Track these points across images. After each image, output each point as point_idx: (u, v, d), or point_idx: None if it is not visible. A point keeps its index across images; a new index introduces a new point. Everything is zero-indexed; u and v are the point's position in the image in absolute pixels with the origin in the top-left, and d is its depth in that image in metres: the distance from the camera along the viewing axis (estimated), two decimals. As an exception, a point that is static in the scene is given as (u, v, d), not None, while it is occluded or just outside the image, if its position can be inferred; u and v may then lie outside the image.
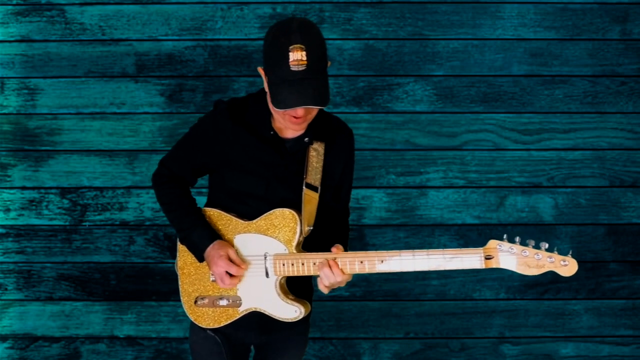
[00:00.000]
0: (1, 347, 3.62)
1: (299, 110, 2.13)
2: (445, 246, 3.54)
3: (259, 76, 2.22)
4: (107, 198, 3.56)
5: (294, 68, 2.06)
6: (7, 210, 3.57)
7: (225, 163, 2.30)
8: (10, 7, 3.49)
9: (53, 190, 3.56)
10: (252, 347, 2.51)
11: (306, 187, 2.27)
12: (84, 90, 3.53)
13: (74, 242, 3.58)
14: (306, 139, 2.27)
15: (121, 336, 3.62)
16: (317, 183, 2.28)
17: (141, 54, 3.51)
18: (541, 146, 3.54)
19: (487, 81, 3.52)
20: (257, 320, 2.33)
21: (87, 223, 3.57)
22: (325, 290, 2.27)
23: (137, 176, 3.53)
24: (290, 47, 2.06)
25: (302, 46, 2.07)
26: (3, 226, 3.58)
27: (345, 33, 3.49)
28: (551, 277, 3.63)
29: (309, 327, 2.50)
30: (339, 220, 2.42)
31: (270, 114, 2.25)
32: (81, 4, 3.49)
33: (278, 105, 2.10)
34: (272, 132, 2.26)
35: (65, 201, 3.56)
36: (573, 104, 3.53)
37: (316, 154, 2.29)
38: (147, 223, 3.56)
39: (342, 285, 2.26)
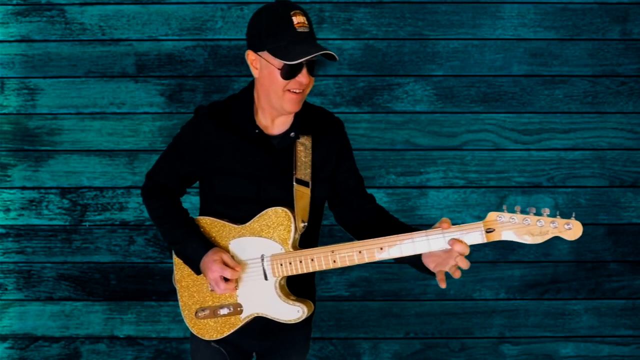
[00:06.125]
0: (1, 347, 3.61)
1: (303, 78, 2.13)
2: (445, 246, 3.54)
3: (259, 76, 2.21)
4: (107, 198, 3.56)
5: (299, 29, 2.11)
6: (7, 210, 3.57)
7: (213, 170, 2.28)
8: (10, 7, 3.49)
9: (53, 190, 3.56)
10: (254, 354, 2.49)
11: (296, 182, 2.25)
12: (84, 90, 3.52)
13: (74, 242, 3.58)
14: (292, 133, 2.26)
15: (121, 336, 3.62)
16: (308, 178, 2.26)
17: (141, 54, 3.51)
18: (541, 146, 3.54)
19: (487, 81, 3.52)
20: (258, 326, 2.31)
21: (87, 223, 3.57)
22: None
23: (137, 176, 3.53)
24: (292, 12, 2.11)
25: (302, 11, 2.13)
26: (3, 226, 3.58)
27: (345, 33, 3.49)
28: (551, 277, 3.64)
29: (310, 329, 2.48)
30: (376, 211, 2.36)
31: (253, 113, 2.24)
32: (81, 4, 3.49)
33: (293, 58, 2.08)
34: (257, 131, 2.24)
35: (65, 201, 3.56)
36: (573, 104, 3.53)
37: (304, 148, 2.27)
38: (147, 223, 3.56)
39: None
